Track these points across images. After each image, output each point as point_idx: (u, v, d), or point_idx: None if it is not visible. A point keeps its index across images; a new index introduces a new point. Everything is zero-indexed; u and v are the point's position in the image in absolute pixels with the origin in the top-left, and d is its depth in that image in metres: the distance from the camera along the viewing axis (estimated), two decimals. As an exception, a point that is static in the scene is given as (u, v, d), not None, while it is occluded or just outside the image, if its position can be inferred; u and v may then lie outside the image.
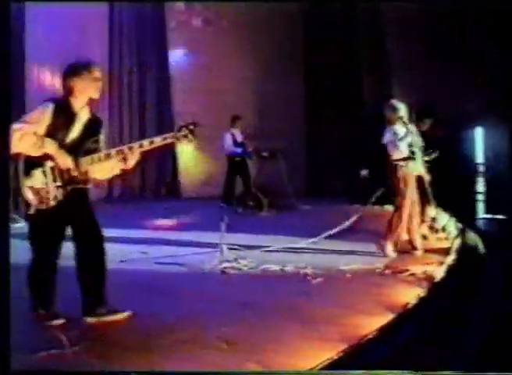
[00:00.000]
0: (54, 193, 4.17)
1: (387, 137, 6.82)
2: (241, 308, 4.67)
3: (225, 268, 6.11)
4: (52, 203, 4.17)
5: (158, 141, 4.26)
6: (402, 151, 6.73)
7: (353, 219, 7.32)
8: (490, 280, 5.54)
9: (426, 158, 7.46)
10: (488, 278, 5.62)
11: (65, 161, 4.18)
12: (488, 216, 9.57)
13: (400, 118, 6.73)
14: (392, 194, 6.99)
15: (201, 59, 13.40)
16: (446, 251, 6.73)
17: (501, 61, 9.15)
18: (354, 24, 12.57)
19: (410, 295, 4.93)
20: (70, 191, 4.22)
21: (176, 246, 7.33)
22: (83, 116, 4.31)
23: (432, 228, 8.23)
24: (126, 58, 13.93)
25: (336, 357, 3.50)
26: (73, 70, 4.26)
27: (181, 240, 7.68)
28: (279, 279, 5.74)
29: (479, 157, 9.96)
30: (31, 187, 4.17)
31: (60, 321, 4.21)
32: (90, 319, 4.27)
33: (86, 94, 4.27)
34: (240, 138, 11.39)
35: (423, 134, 7.42)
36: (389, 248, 6.77)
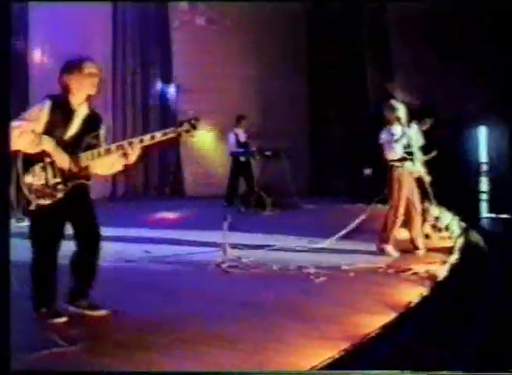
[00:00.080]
0: (54, 189, 4.18)
1: (383, 138, 6.83)
2: (243, 308, 4.66)
3: (227, 267, 6.11)
4: (53, 199, 4.18)
5: (159, 136, 4.24)
6: (397, 152, 6.74)
7: (361, 218, 7.31)
8: (493, 279, 5.53)
9: (425, 158, 7.47)
10: (491, 277, 5.61)
11: (63, 158, 4.18)
12: (492, 215, 9.56)
13: (398, 118, 6.73)
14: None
15: (205, 59, 13.39)
16: (449, 251, 6.72)
17: (501, 61, 9.14)
18: (358, 24, 12.56)
19: (413, 294, 4.92)
20: (71, 187, 4.23)
21: (179, 245, 7.33)
22: (81, 113, 4.31)
23: (435, 227, 8.24)
24: (130, 57, 13.97)
25: (337, 356, 3.49)
26: (67, 67, 4.27)
27: (184, 239, 7.67)
28: (282, 278, 5.73)
29: (483, 156, 9.94)
30: (31, 184, 4.17)
31: (62, 319, 4.23)
32: (71, 308, 4.31)
33: (82, 90, 4.28)
34: (243, 138, 11.40)
35: (424, 134, 7.42)
36: (390, 248, 6.77)
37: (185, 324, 4.23)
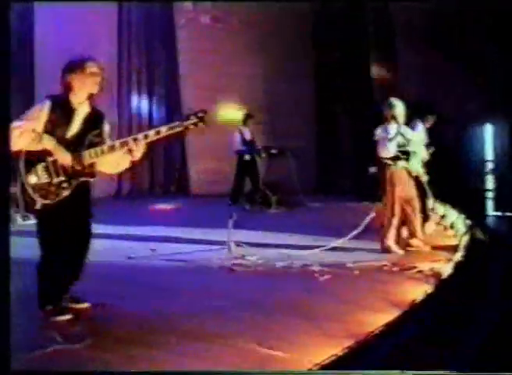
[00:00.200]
0: (58, 187, 4.20)
1: (378, 134, 6.84)
2: (246, 305, 4.67)
3: (232, 265, 6.11)
4: (58, 198, 4.19)
5: (165, 130, 4.21)
6: (389, 150, 6.74)
7: (371, 216, 7.30)
8: (497, 278, 5.52)
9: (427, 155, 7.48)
10: (495, 275, 5.60)
11: (64, 156, 4.19)
12: (497, 213, 9.54)
13: (394, 116, 6.74)
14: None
15: (210, 57, 13.39)
16: (454, 249, 6.70)
17: (502, 61, 9.14)
18: (364, 24, 12.55)
19: (417, 292, 4.91)
20: (75, 185, 4.24)
21: (183, 243, 7.34)
22: (82, 111, 4.32)
23: (440, 225, 8.24)
24: (135, 56, 13.98)
25: (340, 354, 3.50)
26: (70, 67, 4.29)
27: (189, 237, 7.68)
28: (286, 276, 5.74)
29: (488, 154, 9.92)
30: (35, 184, 4.19)
31: (66, 317, 4.24)
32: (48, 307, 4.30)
33: (84, 89, 4.29)
34: (248, 136, 11.40)
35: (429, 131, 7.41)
36: (393, 246, 6.77)
37: (188, 321, 4.24)
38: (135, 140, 4.22)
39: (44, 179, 4.19)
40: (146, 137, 4.23)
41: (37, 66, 11.04)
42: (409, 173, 6.90)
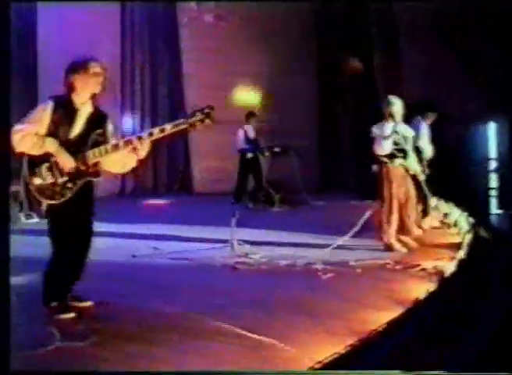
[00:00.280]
0: (63, 187, 4.21)
1: (374, 133, 6.86)
2: (249, 303, 4.68)
3: (235, 263, 6.12)
4: (63, 198, 4.20)
5: (169, 128, 4.18)
6: (385, 148, 6.75)
7: (367, 214, 7.30)
8: (501, 276, 5.51)
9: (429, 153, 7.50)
10: (498, 273, 5.59)
11: (66, 159, 4.19)
12: (501, 211, 9.52)
13: (391, 114, 6.75)
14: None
15: (214, 56, 13.39)
16: (457, 246, 6.70)
17: (503, 60, 9.14)
18: (367, 23, 12.55)
19: (421, 290, 4.90)
20: (80, 185, 4.25)
21: (187, 242, 7.36)
22: (84, 111, 4.33)
23: (443, 223, 8.24)
24: (138, 56, 14.00)
25: (342, 351, 3.50)
26: (73, 67, 4.29)
27: (192, 235, 7.69)
28: (289, 274, 5.74)
29: (492, 152, 9.90)
30: (40, 185, 4.21)
31: (71, 315, 4.26)
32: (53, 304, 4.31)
33: (87, 89, 4.29)
34: (252, 134, 11.41)
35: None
36: (396, 244, 6.78)
37: (190, 319, 4.25)
38: (139, 138, 4.21)
39: (49, 179, 4.21)
40: (151, 134, 4.21)
41: (40, 66, 11.04)
42: (406, 170, 6.91)
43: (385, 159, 6.82)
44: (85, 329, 3.94)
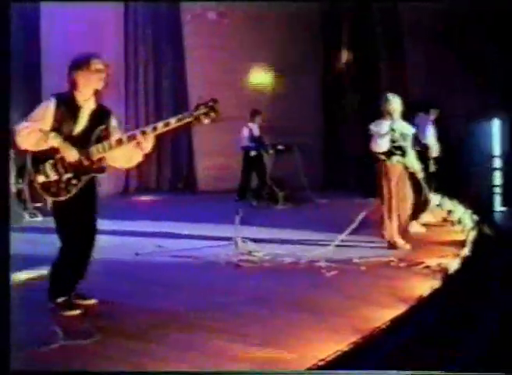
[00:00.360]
0: (68, 184, 4.22)
1: (372, 130, 6.87)
2: (253, 301, 4.69)
3: (239, 261, 6.13)
4: (68, 194, 4.22)
5: (174, 121, 4.17)
6: (381, 145, 6.75)
7: (364, 213, 7.29)
8: (505, 273, 5.50)
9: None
10: (503, 271, 5.58)
11: (71, 153, 4.20)
12: (505, 208, 9.50)
13: (388, 112, 6.75)
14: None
15: (217, 53, 13.38)
16: (461, 244, 6.69)
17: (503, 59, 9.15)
18: (372, 24, 12.56)
19: (424, 288, 4.90)
20: (85, 181, 4.26)
21: (190, 239, 7.36)
22: (87, 107, 4.33)
23: (447, 220, 8.23)
24: (142, 52, 14.00)
25: (345, 349, 3.50)
26: (75, 64, 4.30)
27: (196, 233, 7.70)
28: (293, 272, 5.74)
29: (496, 150, 9.88)
30: (44, 182, 4.22)
31: (77, 312, 4.28)
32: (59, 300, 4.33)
33: (89, 86, 4.30)
34: (257, 132, 11.41)
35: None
36: (399, 241, 6.78)
37: (193, 317, 4.26)
38: (143, 133, 4.21)
39: (53, 176, 4.22)
40: (155, 129, 4.21)
41: (43, 65, 11.06)
42: (405, 168, 6.91)
43: (383, 157, 6.82)
44: (89, 327, 3.95)
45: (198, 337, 3.85)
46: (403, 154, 6.81)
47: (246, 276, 5.66)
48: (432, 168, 8.28)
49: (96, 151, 4.25)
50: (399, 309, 4.33)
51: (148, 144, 4.24)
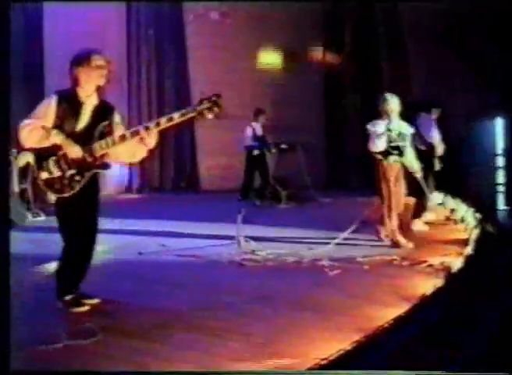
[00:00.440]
0: (71, 180, 4.22)
1: (369, 129, 6.89)
2: (256, 300, 4.69)
3: (242, 260, 6.13)
4: (72, 191, 4.22)
5: (177, 117, 4.15)
6: (378, 145, 6.78)
7: (366, 212, 7.30)
8: (508, 271, 5.49)
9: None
10: (506, 269, 5.58)
11: (74, 149, 4.20)
12: (508, 207, 9.49)
13: (385, 112, 6.77)
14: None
15: (220, 53, 13.38)
16: (464, 242, 6.69)
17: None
18: (374, 24, 12.57)
19: (427, 286, 4.89)
20: (88, 178, 4.26)
21: (194, 238, 7.36)
22: (90, 104, 4.33)
23: (449, 219, 8.23)
24: (145, 52, 14.00)
25: (348, 348, 3.50)
26: (76, 60, 4.29)
27: (199, 232, 7.70)
28: (296, 271, 5.74)
29: (499, 148, 9.87)
30: (48, 179, 4.23)
31: (84, 308, 4.30)
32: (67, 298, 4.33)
33: (91, 82, 4.29)
34: (260, 132, 11.41)
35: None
36: (402, 240, 6.79)
37: (197, 316, 4.26)
38: (147, 128, 4.20)
39: (57, 173, 4.22)
40: (158, 124, 4.19)
41: (46, 65, 11.08)
42: (403, 168, 6.94)
43: (380, 156, 6.85)
44: (92, 326, 3.95)
45: (201, 336, 3.85)
46: (400, 154, 6.83)
47: (249, 275, 5.66)
48: (438, 167, 8.30)
49: (99, 147, 4.24)
50: (402, 308, 4.32)
51: (152, 139, 4.23)
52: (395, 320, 4.06)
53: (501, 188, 9.68)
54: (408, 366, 3.17)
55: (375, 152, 6.85)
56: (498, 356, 3.51)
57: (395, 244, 6.77)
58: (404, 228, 7.11)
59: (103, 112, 4.38)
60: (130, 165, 12.52)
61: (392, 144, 6.79)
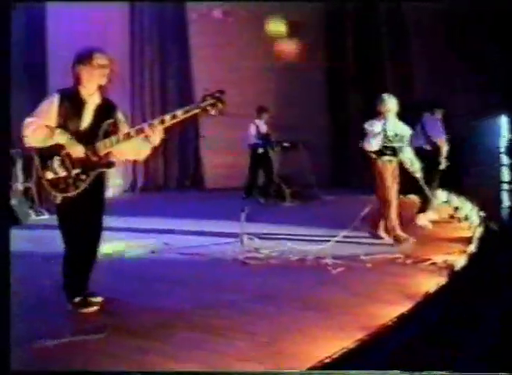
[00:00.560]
0: (76, 180, 4.21)
1: (366, 129, 6.97)
2: (259, 298, 4.70)
3: (245, 258, 6.13)
4: (77, 190, 4.21)
5: (180, 113, 4.13)
6: (372, 144, 6.87)
7: (366, 210, 7.30)
8: (511, 270, 5.48)
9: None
10: (509, 268, 5.57)
11: (77, 149, 4.18)
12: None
13: (383, 111, 6.85)
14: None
15: (223, 51, 13.38)
16: (468, 240, 6.68)
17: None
18: (377, 24, 12.55)
19: (430, 285, 4.88)
20: (93, 177, 4.25)
21: (197, 236, 7.37)
22: (92, 103, 4.30)
23: (453, 217, 8.22)
24: (148, 52, 14.02)
25: (352, 346, 3.51)
26: (78, 59, 4.27)
27: (202, 230, 7.71)
28: (299, 269, 5.75)
29: (503, 146, 9.83)
30: (53, 179, 4.22)
31: (94, 308, 4.30)
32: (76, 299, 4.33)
33: (93, 81, 4.27)
34: (263, 129, 11.41)
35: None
36: (402, 234, 6.87)
37: (200, 315, 4.27)
38: (151, 125, 4.18)
39: (62, 173, 4.20)
40: (162, 122, 4.17)
41: (49, 65, 11.09)
42: (400, 167, 6.99)
43: (374, 155, 6.94)
44: (95, 325, 3.97)
45: (205, 335, 3.85)
46: (394, 154, 6.90)
47: (252, 273, 5.66)
48: (443, 166, 8.34)
49: (103, 146, 4.23)
50: (405, 306, 4.32)
51: (157, 136, 4.21)
52: (398, 319, 4.06)
53: (505, 186, 9.65)
54: (411, 365, 3.17)
55: (370, 151, 6.93)
56: (501, 356, 3.50)
57: (396, 240, 6.82)
58: (405, 224, 7.13)
59: (106, 110, 4.36)
60: (134, 163, 12.55)
61: (387, 145, 6.87)
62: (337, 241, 6.70)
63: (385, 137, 6.82)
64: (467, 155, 9.35)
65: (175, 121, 4.16)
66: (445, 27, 10.18)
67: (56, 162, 4.21)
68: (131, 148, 4.34)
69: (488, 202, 8.51)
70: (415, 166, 7.18)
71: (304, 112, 12.99)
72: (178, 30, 13.97)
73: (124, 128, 4.36)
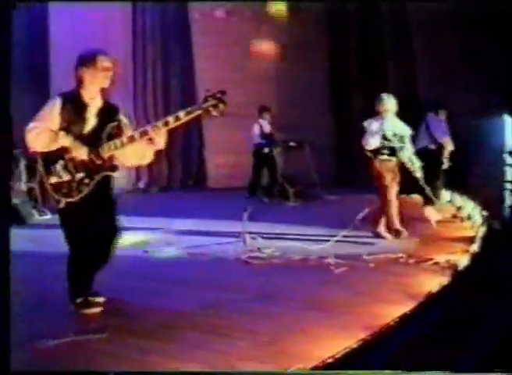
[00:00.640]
0: (80, 184, 4.19)
1: (364, 128, 7.04)
2: (261, 298, 4.70)
3: (248, 258, 6.13)
4: (80, 194, 4.18)
5: (183, 115, 4.10)
6: (370, 143, 6.95)
7: (366, 210, 7.30)
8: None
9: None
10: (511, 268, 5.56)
11: (82, 152, 4.17)
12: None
13: (381, 111, 6.93)
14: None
15: (225, 51, 13.38)
16: (470, 240, 6.67)
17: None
18: (380, 24, 12.54)
19: (433, 284, 4.88)
20: (98, 180, 4.23)
21: (200, 236, 7.37)
22: (94, 106, 4.29)
23: (456, 217, 8.21)
24: (150, 52, 14.03)
25: (354, 346, 3.50)
26: (82, 61, 4.24)
27: (205, 230, 7.71)
28: (302, 268, 5.75)
29: (507, 146, 9.82)
30: (56, 183, 4.19)
31: (97, 309, 4.29)
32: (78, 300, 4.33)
33: (96, 84, 4.25)
34: (267, 129, 11.41)
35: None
36: (403, 230, 6.95)
37: (202, 314, 4.27)
38: (155, 128, 4.17)
39: (66, 177, 4.18)
40: (166, 123, 4.15)
41: (51, 65, 11.11)
42: (401, 167, 7.01)
43: (371, 154, 7.02)
44: (96, 324, 3.97)
45: (207, 334, 3.85)
46: (393, 153, 6.90)
47: (254, 272, 5.66)
48: (446, 165, 8.36)
49: (107, 148, 4.21)
50: (408, 306, 4.31)
51: (161, 139, 4.20)
52: (400, 318, 4.05)
53: (508, 186, 9.63)
54: (413, 365, 3.16)
55: (367, 150, 6.99)
56: (503, 356, 3.49)
57: (397, 233, 6.96)
58: (406, 223, 7.19)
59: (109, 113, 4.34)
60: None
61: (385, 144, 6.90)
62: (339, 241, 6.69)
63: (383, 136, 6.85)
64: (471, 154, 9.35)
65: (179, 123, 4.15)
66: (447, 27, 10.17)
67: (60, 166, 4.19)
68: (135, 152, 4.32)
69: (490, 201, 8.50)
70: (415, 165, 7.19)
71: (306, 112, 12.97)
72: (181, 30, 13.96)
73: (128, 131, 4.34)
